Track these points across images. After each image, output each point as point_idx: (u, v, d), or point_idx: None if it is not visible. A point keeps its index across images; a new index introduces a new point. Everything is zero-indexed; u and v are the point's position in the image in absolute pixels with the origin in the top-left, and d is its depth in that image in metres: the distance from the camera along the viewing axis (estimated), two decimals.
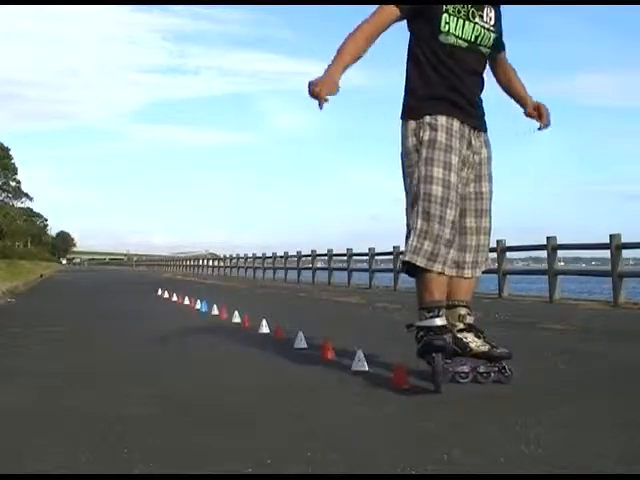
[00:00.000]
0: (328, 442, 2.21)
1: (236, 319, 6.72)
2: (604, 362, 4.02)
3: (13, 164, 61.84)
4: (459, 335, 3.19)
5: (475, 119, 3.28)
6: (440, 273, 3.10)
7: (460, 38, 3.17)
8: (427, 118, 3.15)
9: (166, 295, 11.72)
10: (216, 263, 41.24)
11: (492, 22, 3.26)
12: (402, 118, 3.27)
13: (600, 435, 2.29)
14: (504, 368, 3.18)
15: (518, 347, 4.84)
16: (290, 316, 7.57)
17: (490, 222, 3.37)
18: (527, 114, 3.49)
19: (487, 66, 3.38)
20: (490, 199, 3.37)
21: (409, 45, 3.30)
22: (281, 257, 26.62)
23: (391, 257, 17.70)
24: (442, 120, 3.15)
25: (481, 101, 3.36)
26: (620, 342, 5.27)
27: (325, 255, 22.14)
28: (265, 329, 5.66)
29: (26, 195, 67.71)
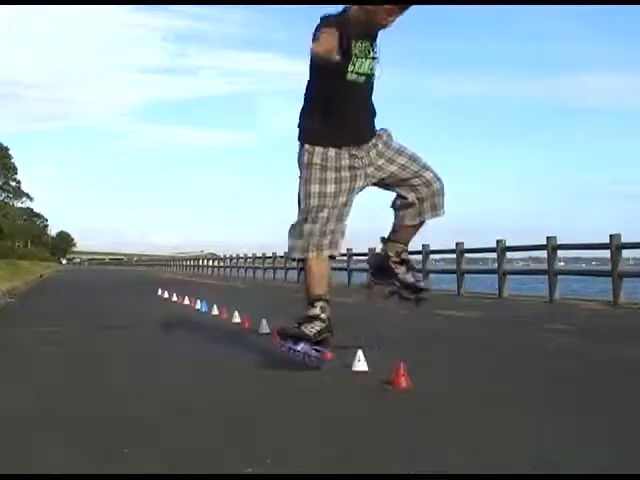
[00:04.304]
0: (328, 442, 2.21)
1: (236, 319, 6.72)
2: (605, 362, 4.02)
3: (13, 164, 61.98)
4: (392, 265, 3.98)
5: (358, 137, 3.73)
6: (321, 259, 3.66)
7: (361, 74, 3.61)
8: (306, 146, 3.74)
9: (166, 295, 11.72)
10: (216, 263, 41.23)
11: (377, 52, 3.66)
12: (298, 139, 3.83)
13: (600, 435, 2.29)
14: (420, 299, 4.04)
15: (518, 347, 4.86)
16: (290, 316, 7.55)
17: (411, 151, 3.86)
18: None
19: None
20: (409, 154, 3.82)
21: (308, 82, 3.71)
22: (281, 257, 26.58)
23: None
24: (319, 150, 3.70)
25: (372, 113, 3.80)
26: (620, 342, 5.28)
27: None
28: (265, 329, 5.66)
29: (26, 195, 67.98)
